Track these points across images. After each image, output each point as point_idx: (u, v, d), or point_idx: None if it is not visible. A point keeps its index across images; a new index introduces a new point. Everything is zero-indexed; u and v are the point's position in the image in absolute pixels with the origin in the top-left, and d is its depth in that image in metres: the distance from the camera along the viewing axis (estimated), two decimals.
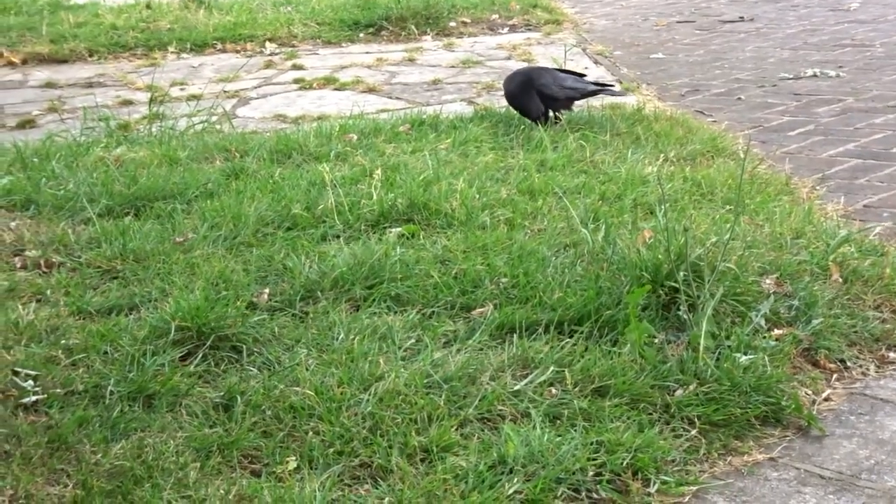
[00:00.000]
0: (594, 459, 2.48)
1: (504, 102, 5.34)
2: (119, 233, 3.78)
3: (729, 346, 2.89)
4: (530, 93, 5.11)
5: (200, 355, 2.94)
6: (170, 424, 2.64)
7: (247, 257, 3.58)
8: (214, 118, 5.49)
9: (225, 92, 6.30)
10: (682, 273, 3.00)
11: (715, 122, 5.52)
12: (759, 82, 6.44)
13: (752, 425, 2.70)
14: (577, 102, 5.30)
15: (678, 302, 3.03)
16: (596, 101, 5.46)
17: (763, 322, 3.04)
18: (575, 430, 2.57)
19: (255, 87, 6.62)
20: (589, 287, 3.17)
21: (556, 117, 5.18)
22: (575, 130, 4.96)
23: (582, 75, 5.41)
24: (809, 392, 2.87)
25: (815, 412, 2.77)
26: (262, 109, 6.05)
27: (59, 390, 2.78)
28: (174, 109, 5.63)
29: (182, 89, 6.51)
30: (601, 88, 5.31)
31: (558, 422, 2.63)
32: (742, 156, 4.47)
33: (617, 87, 5.79)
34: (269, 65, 7.26)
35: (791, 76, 6.56)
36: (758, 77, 6.59)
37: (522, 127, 5.07)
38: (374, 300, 3.24)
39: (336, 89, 6.49)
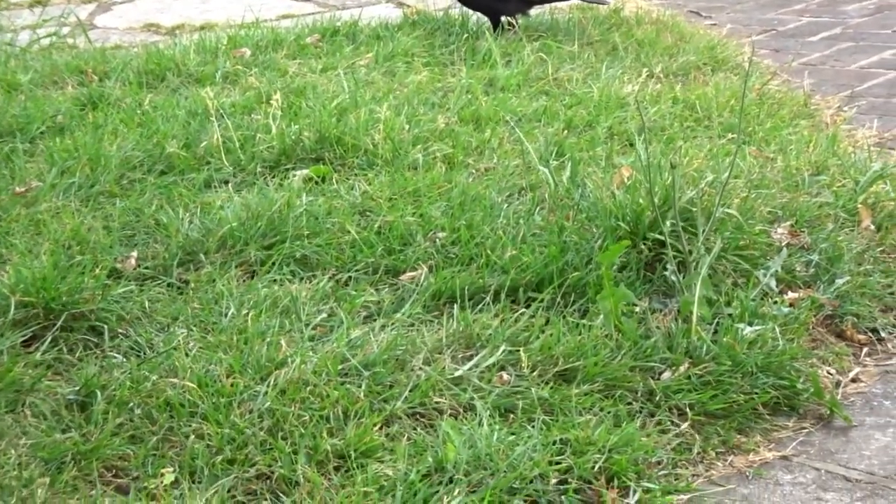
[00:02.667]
0: (558, 463, 2.48)
1: (442, 3, 5.33)
2: None
3: (730, 315, 2.91)
4: None
5: (49, 339, 2.91)
6: (10, 429, 2.61)
7: (108, 211, 3.55)
8: (66, 30, 5.44)
9: None
10: (669, 222, 3.01)
11: (714, 25, 5.54)
12: None
13: (760, 415, 2.72)
14: (537, 7, 5.30)
15: (664, 259, 3.05)
16: (561, 2, 5.46)
17: (774, 283, 3.07)
18: (533, 427, 2.58)
19: None
20: (551, 242, 3.17)
21: (508, 23, 5.17)
22: (534, 39, 4.96)
23: None
24: (833, 371, 2.90)
25: (839, 396, 2.80)
26: (129, 17, 6.00)
27: None
28: (12, 19, 5.57)
29: None
30: None
31: (511, 416, 2.63)
32: (747, 68, 4.49)
33: None
34: None
35: None
36: None
37: (466, 35, 5.06)
38: (273, 264, 3.23)
39: None
